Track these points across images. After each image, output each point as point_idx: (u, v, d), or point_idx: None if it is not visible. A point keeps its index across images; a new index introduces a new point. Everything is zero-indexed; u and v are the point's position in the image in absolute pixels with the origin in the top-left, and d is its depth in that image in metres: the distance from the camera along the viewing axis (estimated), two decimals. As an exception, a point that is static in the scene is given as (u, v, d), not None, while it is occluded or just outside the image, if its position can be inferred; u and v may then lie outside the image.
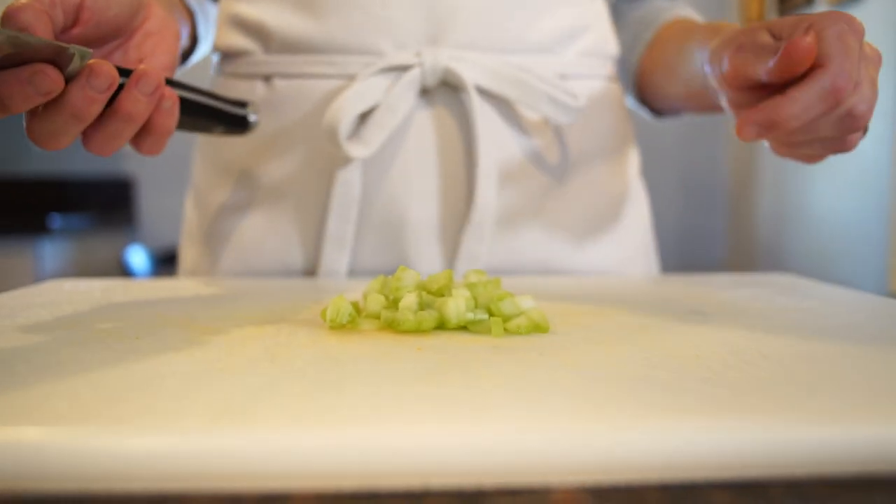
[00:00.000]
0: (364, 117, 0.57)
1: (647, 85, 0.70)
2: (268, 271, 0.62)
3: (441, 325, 0.37)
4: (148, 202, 3.00)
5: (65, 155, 2.96)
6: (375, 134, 0.56)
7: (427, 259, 0.60)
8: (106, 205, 2.94)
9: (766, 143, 0.47)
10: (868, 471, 0.23)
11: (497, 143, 0.59)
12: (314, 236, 0.60)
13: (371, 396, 0.25)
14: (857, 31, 0.43)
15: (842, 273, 2.34)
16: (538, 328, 0.37)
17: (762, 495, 0.21)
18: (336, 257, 0.59)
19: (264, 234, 0.61)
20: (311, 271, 0.61)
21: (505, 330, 0.36)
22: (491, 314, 0.38)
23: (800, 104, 0.42)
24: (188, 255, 0.67)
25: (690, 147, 2.79)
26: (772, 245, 2.82)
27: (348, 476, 0.21)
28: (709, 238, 3.22)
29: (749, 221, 2.98)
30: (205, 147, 0.67)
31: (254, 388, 0.26)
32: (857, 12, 2.23)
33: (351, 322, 0.37)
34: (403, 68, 0.57)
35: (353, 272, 0.61)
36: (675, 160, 2.78)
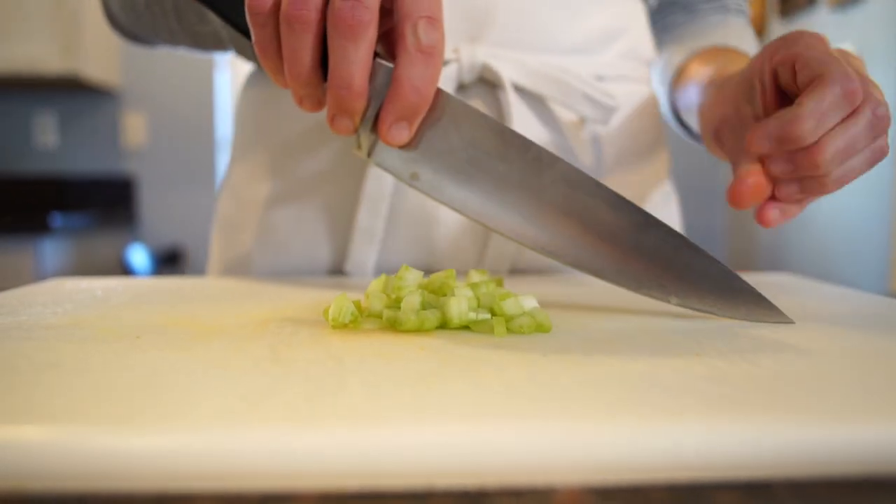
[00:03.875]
0: None
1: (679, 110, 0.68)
2: (298, 264, 0.62)
3: (443, 325, 0.37)
4: (149, 201, 3.00)
5: (66, 154, 2.96)
6: None
7: (457, 256, 0.60)
8: (107, 204, 2.94)
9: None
10: (874, 472, 0.23)
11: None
12: (344, 231, 0.61)
13: (374, 396, 0.25)
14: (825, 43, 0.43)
15: (842, 272, 2.34)
16: (541, 328, 0.36)
17: (767, 496, 0.21)
18: (365, 251, 0.59)
19: (296, 227, 0.62)
20: (339, 265, 0.61)
21: (508, 330, 0.36)
22: (493, 314, 0.37)
23: (815, 116, 0.40)
24: (220, 247, 0.67)
25: (690, 146, 2.79)
26: (772, 245, 2.81)
27: (351, 476, 0.21)
28: (709, 237, 3.22)
29: (749, 221, 2.97)
30: (241, 142, 0.67)
31: (256, 387, 0.26)
32: (857, 14, 2.22)
33: (353, 321, 0.37)
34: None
35: (381, 268, 0.61)
36: (674, 159, 2.78)
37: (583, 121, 0.61)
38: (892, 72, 2.04)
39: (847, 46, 2.25)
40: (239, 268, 0.65)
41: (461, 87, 0.58)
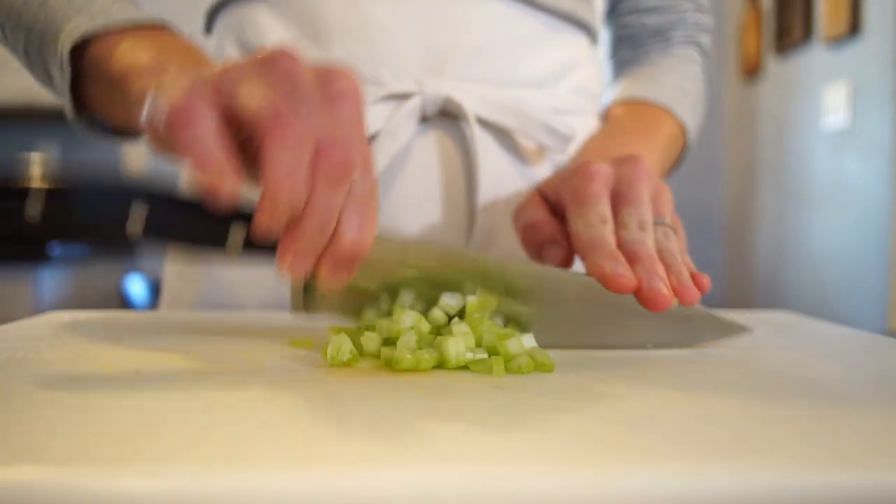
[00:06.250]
0: None
1: None
2: (256, 302, 0.61)
3: (441, 364, 0.37)
4: (148, 231, 3.00)
5: (66, 183, 2.97)
6: (376, 160, 0.56)
7: None
8: (106, 233, 2.94)
9: None
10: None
11: (497, 171, 0.59)
12: None
13: (372, 437, 0.25)
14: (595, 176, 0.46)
15: (841, 309, 2.34)
16: (541, 367, 0.36)
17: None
18: None
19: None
20: None
21: (506, 369, 0.36)
22: (492, 353, 0.37)
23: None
24: (173, 286, 0.66)
25: (689, 182, 2.81)
26: (770, 280, 2.82)
27: (349, 521, 0.21)
28: (707, 273, 3.22)
29: (748, 256, 2.98)
30: None
31: (254, 428, 0.26)
32: (852, 50, 2.25)
33: (352, 359, 0.37)
34: (404, 96, 0.57)
35: None
36: (673, 195, 2.79)
37: (542, 150, 0.62)
38: (888, 107, 2.07)
39: (842, 83, 2.27)
40: (189, 305, 0.63)
41: (424, 120, 0.59)
